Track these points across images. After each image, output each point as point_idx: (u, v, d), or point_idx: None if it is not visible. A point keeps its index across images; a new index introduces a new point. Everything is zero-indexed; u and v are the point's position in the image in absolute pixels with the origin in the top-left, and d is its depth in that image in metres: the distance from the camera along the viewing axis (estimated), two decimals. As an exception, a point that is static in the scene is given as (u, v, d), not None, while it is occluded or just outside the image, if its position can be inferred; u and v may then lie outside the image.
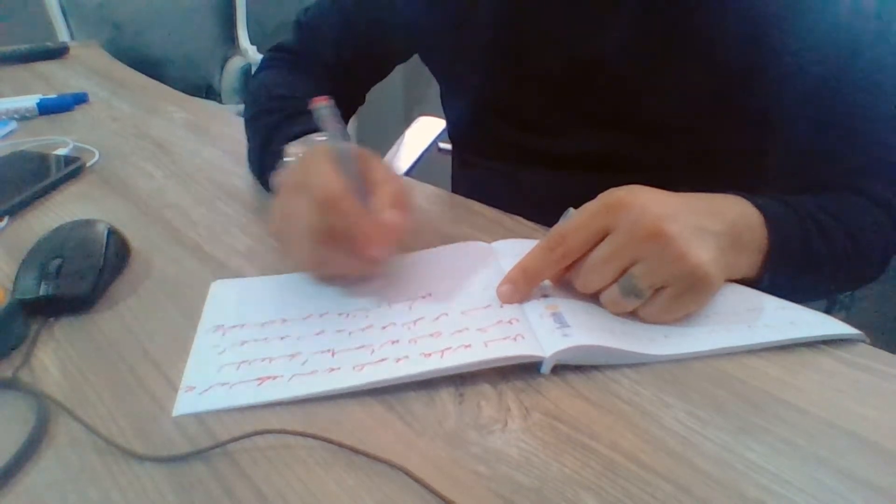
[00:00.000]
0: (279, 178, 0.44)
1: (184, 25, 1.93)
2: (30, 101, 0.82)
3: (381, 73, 0.74)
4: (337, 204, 0.38)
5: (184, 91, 0.94)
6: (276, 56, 0.72)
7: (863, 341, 0.40)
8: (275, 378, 0.36)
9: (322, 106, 0.40)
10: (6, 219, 0.55)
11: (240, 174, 0.65)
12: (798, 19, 0.48)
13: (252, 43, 2.01)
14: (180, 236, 0.53)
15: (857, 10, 0.47)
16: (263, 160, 0.57)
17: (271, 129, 0.57)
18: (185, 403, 0.35)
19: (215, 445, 0.32)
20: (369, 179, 0.42)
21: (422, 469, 0.31)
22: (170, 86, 0.97)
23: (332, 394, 0.35)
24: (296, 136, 0.53)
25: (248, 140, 0.62)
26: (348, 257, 0.40)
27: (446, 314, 0.41)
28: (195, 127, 0.79)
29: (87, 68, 1.06)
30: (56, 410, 0.35)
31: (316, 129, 0.52)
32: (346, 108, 0.70)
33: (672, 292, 0.38)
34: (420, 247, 0.49)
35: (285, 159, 0.50)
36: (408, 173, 1.08)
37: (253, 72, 0.77)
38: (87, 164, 0.66)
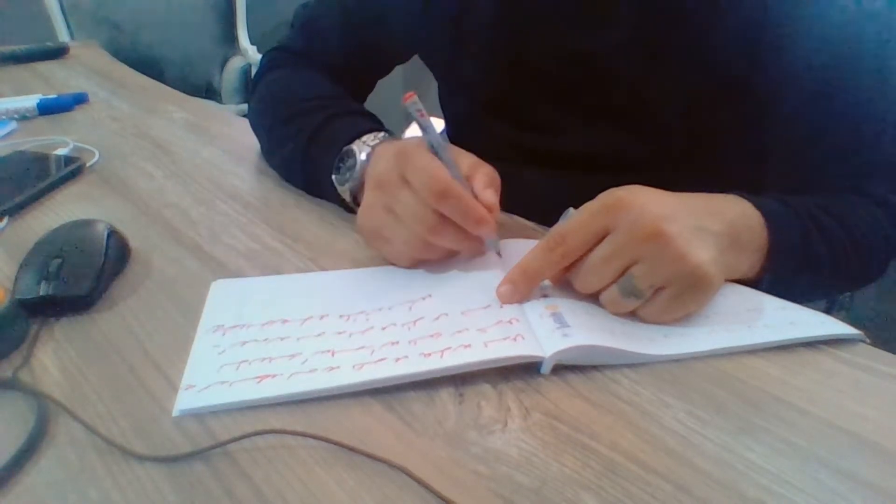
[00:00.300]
0: (369, 173, 0.45)
1: (184, 25, 1.93)
2: (30, 101, 0.82)
3: (382, 72, 0.74)
4: (446, 191, 0.40)
5: (184, 91, 0.94)
6: (280, 56, 0.71)
7: (863, 341, 0.40)
8: (274, 377, 0.36)
9: (414, 101, 0.42)
10: (6, 219, 0.55)
11: (240, 174, 0.65)
12: (797, 19, 0.48)
13: (252, 43, 2.01)
14: (180, 236, 0.53)
15: (858, 10, 0.47)
16: (310, 160, 0.56)
17: (316, 128, 0.56)
18: (185, 401, 0.35)
19: (215, 445, 0.32)
20: (460, 166, 0.44)
21: (422, 469, 0.31)
22: (169, 86, 0.97)
23: (332, 393, 0.35)
24: (358, 136, 0.52)
25: (280, 141, 0.61)
26: (455, 241, 0.43)
27: (446, 314, 0.41)
28: (195, 127, 0.79)
29: (87, 68, 1.06)
30: (56, 410, 0.35)
31: (374, 129, 0.53)
32: None
33: (672, 292, 0.38)
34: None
35: (356, 159, 0.50)
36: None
37: (253, 72, 0.77)
38: (87, 164, 0.66)
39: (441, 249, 0.44)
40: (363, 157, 0.50)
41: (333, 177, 0.53)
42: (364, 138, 0.52)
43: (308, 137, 0.56)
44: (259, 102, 0.67)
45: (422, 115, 0.43)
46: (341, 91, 0.64)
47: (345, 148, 0.52)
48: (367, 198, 0.45)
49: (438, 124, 1.22)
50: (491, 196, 0.43)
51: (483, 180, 0.44)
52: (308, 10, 0.71)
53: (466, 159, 0.45)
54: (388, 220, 0.44)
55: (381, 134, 0.52)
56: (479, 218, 0.41)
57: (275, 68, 0.70)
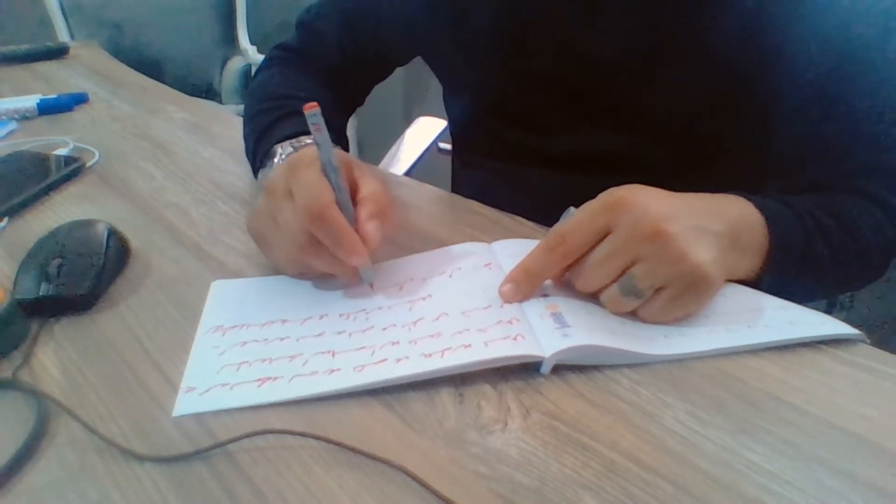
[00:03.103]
0: (266, 179, 0.45)
1: (184, 25, 1.93)
2: (30, 101, 0.82)
3: (382, 74, 0.74)
4: (321, 214, 0.39)
5: (184, 91, 0.94)
6: (279, 55, 0.72)
7: (863, 341, 0.40)
8: (275, 379, 0.36)
9: (312, 112, 0.40)
10: (6, 219, 0.55)
11: (240, 174, 0.65)
12: (798, 19, 0.48)
13: (252, 43, 2.01)
14: (180, 236, 0.53)
15: (858, 10, 0.47)
16: (256, 159, 0.58)
17: (266, 127, 0.57)
18: (186, 404, 0.35)
19: (215, 445, 0.32)
20: (356, 188, 0.43)
21: (422, 469, 0.31)
22: (170, 86, 0.97)
23: (333, 394, 0.35)
24: (287, 137, 0.53)
25: (245, 138, 0.63)
26: (329, 265, 0.42)
27: (446, 314, 0.41)
28: (195, 127, 0.79)
29: (87, 68, 1.06)
30: (56, 410, 0.35)
31: (308, 132, 0.53)
32: (346, 109, 0.70)
33: (672, 292, 0.38)
34: (420, 247, 0.49)
35: (274, 160, 0.51)
36: (408, 173, 1.08)
37: (253, 72, 0.77)
38: (87, 164, 0.66)
39: (317, 270, 0.43)
40: (281, 158, 0.51)
41: (259, 172, 0.54)
42: (294, 140, 0.52)
43: (258, 135, 0.58)
44: (246, 99, 0.68)
45: (317, 129, 0.40)
46: (315, 91, 0.64)
47: (272, 147, 0.53)
48: (259, 202, 0.45)
49: (438, 124, 1.21)
50: (372, 228, 0.41)
51: (370, 210, 0.42)
52: (310, 12, 0.71)
53: (369, 185, 0.43)
54: (273, 228, 0.43)
55: (310, 140, 0.52)
56: (351, 248, 0.40)
57: (268, 66, 0.71)
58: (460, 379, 0.36)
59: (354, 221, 0.42)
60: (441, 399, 0.35)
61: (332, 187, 0.41)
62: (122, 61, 1.11)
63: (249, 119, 0.63)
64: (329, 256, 0.41)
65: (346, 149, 0.64)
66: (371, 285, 0.44)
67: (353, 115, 0.75)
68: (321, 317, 0.42)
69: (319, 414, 0.34)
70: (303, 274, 0.46)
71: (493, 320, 0.39)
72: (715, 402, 0.35)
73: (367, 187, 0.43)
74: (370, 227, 0.41)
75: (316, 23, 0.70)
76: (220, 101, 2.02)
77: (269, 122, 0.58)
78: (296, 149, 0.51)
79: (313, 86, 0.66)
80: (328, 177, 0.41)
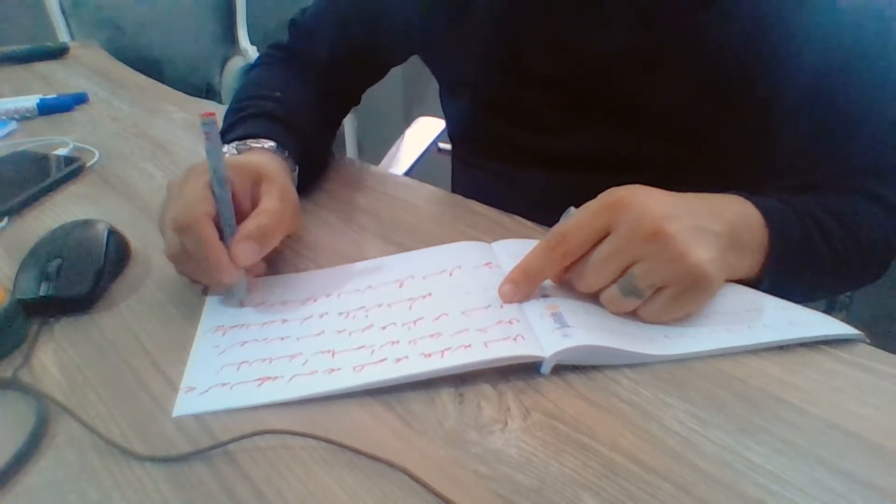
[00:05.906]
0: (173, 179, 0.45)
1: (184, 25, 1.93)
2: (30, 101, 0.82)
3: (377, 74, 0.73)
4: (188, 226, 0.39)
5: (184, 91, 0.94)
6: (271, 54, 0.71)
7: (863, 341, 0.40)
8: (275, 379, 0.36)
9: (205, 120, 0.39)
10: (6, 219, 0.55)
11: (240, 174, 0.65)
12: (799, 19, 0.48)
13: (252, 43, 2.01)
14: (180, 236, 0.53)
15: (859, 10, 0.47)
16: None
17: (227, 127, 0.58)
18: (185, 404, 0.35)
19: (215, 445, 0.32)
20: (265, 205, 0.43)
21: (422, 469, 0.31)
22: (170, 86, 0.97)
23: (333, 394, 0.35)
24: (236, 139, 0.53)
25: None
26: (199, 275, 0.43)
27: (446, 314, 0.41)
28: (195, 127, 0.79)
29: (87, 68, 1.06)
30: (56, 410, 0.35)
31: (257, 134, 0.53)
32: (340, 109, 0.70)
33: (672, 292, 0.38)
34: (420, 247, 0.49)
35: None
36: (408, 173, 1.08)
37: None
38: (87, 164, 0.66)
39: (194, 277, 0.43)
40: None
41: None
42: (240, 143, 0.52)
43: (223, 134, 0.58)
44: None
45: (208, 138, 0.39)
46: (301, 91, 0.64)
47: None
48: (164, 198, 0.45)
49: (438, 124, 1.21)
50: (242, 248, 0.41)
51: (248, 230, 0.41)
52: (304, 12, 0.71)
53: (265, 203, 0.43)
54: (161, 226, 0.44)
55: (262, 142, 0.53)
56: (215, 263, 0.40)
57: (257, 66, 0.71)
58: (460, 379, 0.36)
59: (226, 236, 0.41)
60: (441, 399, 0.35)
61: (217, 199, 0.40)
62: (122, 61, 1.11)
63: (224, 118, 0.62)
64: (197, 267, 0.41)
65: (324, 151, 0.65)
66: (241, 302, 0.43)
67: (353, 115, 0.74)
68: (321, 316, 0.42)
69: (319, 414, 0.34)
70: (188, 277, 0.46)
71: (492, 320, 0.39)
72: (715, 402, 0.35)
73: (262, 205, 0.43)
74: (241, 248, 0.41)
75: (310, 22, 0.70)
76: (220, 101, 2.02)
77: (232, 122, 0.58)
78: (240, 151, 0.51)
79: (300, 86, 0.65)
80: (212, 188, 0.41)
